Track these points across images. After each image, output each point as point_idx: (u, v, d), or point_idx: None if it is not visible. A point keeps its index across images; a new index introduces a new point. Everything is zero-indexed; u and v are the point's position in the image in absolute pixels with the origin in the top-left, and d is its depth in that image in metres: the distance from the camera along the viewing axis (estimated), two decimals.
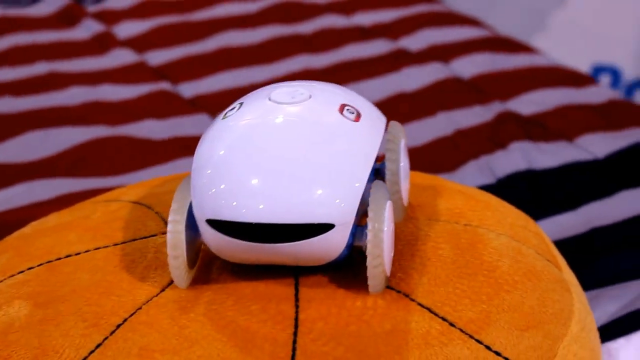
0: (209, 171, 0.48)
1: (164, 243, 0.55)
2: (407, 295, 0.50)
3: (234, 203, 0.47)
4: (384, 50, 1.14)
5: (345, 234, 0.48)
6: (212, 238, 0.49)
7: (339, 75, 1.07)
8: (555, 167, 0.87)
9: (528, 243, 0.57)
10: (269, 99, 0.51)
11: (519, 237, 0.57)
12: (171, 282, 0.51)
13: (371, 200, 0.49)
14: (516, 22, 1.80)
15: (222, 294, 0.50)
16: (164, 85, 1.06)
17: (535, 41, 1.69)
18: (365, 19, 1.24)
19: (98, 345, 0.48)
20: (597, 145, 0.91)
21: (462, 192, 0.61)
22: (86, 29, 1.21)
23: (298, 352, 0.47)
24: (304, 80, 0.54)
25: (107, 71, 1.09)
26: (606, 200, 0.82)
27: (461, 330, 0.49)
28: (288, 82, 0.54)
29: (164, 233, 0.56)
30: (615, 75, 1.84)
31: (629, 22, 1.82)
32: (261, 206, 0.47)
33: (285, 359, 0.46)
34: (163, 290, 0.51)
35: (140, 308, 0.50)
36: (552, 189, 0.84)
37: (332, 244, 0.48)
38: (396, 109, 1.00)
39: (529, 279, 0.53)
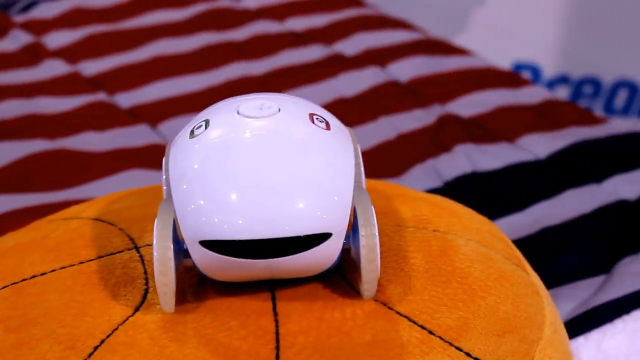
0: (199, 194, 0.47)
1: (131, 259, 0.54)
2: (384, 304, 0.50)
3: (228, 222, 0.46)
4: (319, 55, 1.14)
5: (340, 242, 0.48)
6: (205, 259, 0.48)
7: (278, 81, 1.06)
8: (499, 169, 0.89)
9: (495, 248, 0.57)
10: (238, 113, 0.51)
11: (486, 242, 0.57)
12: (143, 300, 0.51)
13: (358, 205, 0.49)
14: (436, 22, 1.82)
15: (199, 311, 0.50)
16: (101, 96, 1.04)
17: (456, 40, 1.71)
18: (298, 24, 1.24)
19: None
20: (537, 146, 0.92)
21: (425, 199, 0.61)
22: (14, 40, 1.19)
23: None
24: (264, 93, 0.54)
25: (40, 83, 1.07)
26: (553, 200, 0.83)
27: (440, 338, 0.49)
28: (249, 95, 0.53)
29: (130, 249, 0.55)
30: (535, 72, 1.87)
31: (548, 20, 1.86)
32: (256, 223, 0.46)
33: None
34: (137, 309, 0.50)
35: (116, 329, 0.49)
36: (498, 191, 0.85)
37: (329, 253, 0.48)
38: (336, 114, 0.99)
39: (501, 284, 0.53)
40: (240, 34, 1.21)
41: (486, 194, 0.84)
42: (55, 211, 0.81)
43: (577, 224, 0.80)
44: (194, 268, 0.50)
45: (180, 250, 0.49)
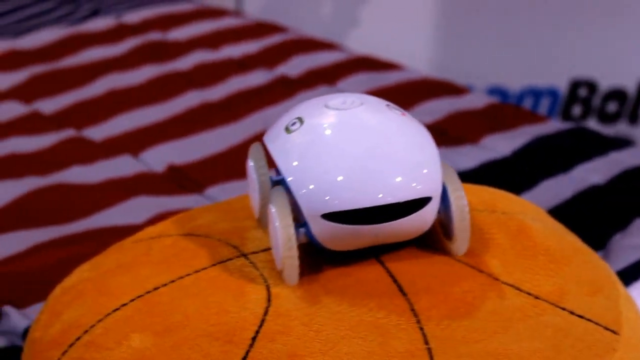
0: (316, 175, 0.54)
1: (243, 265, 0.58)
2: (490, 275, 0.57)
3: (347, 194, 0.53)
4: (266, 79, 1.19)
5: (437, 205, 0.55)
6: (326, 231, 0.54)
7: (238, 105, 1.11)
8: (474, 168, 0.96)
9: (553, 224, 0.65)
10: (327, 107, 0.57)
11: (543, 220, 0.65)
12: (269, 294, 0.55)
13: (444, 173, 0.56)
14: (322, 22, 1.89)
15: (333, 297, 0.54)
16: (70, 132, 1.06)
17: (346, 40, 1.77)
18: (233, 51, 1.29)
19: (243, 358, 0.51)
20: (500, 145, 1.01)
21: (478, 187, 0.68)
22: None
23: (429, 337, 0.52)
24: (336, 93, 0.60)
25: (5, 124, 1.08)
26: (533, 191, 0.92)
27: (547, 301, 0.56)
28: (329, 95, 0.60)
29: (239, 256, 0.59)
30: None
31: (419, 33, 1.95)
32: (373, 192, 0.53)
33: (421, 343, 0.51)
34: (269, 301, 0.55)
35: (264, 319, 0.53)
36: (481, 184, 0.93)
37: (429, 216, 0.55)
38: None
39: (575, 254, 0.61)
40: (182, 64, 1.25)
41: None
42: (78, 242, 0.84)
43: (561, 209, 0.88)
44: (305, 246, 0.56)
45: (295, 229, 0.55)
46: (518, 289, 0.56)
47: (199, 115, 1.10)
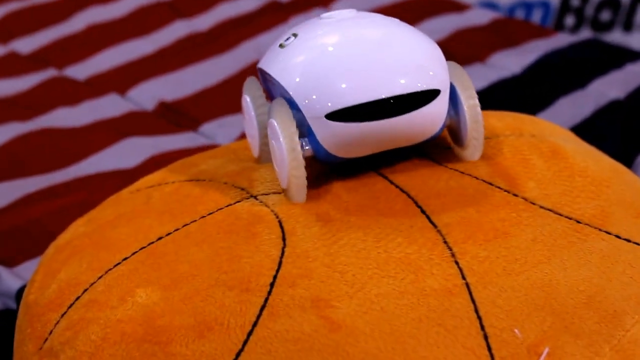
0: (315, 76, 0.50)
1: (253, 204, 0.53)
2: (526, 199, 0.51)
3: (350, 89, 0.49)
4: (257, 4, 1.13)
5: (446, 100, 0.51)
6: (331, 133, 0.50)
7: (229, 33, 1.05)
8: (484, 88, 0.91)
9: (584, 145, 0.59)
10: (321, 19, 0.54)
11: (577, 142, 0.59)
12: (283, 231, 0.50)
13: (454, 76, 0.52)
14: None
15: (356, 233, 0.49)
16: (51, 72, 1.00)
17: None
18: None
19: (262, 308, 0.46)
20: (509, 63, 0.95)
21: (499, 113, 0.63)
22: None
23: (465, 271, 0.47)
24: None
25: None
26: (550, 110, 0.86)
27: (589, 225, 0.51)
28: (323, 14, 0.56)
29: (247, 198, 0.54)
30: None
31: None
32: (376, 83, 0.49)
33: (457, 278, 0.46)
34: (284, 240, 0.49)
35: (280, 262, 0.48)
36: (495, 108, 0.87)
37: (439, 112, 0.51)
38: None
39: (615, 174, 0.55)
40: None
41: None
42: (69, 191, 0.79)
43: (582, 128, 0.83)
44: (312, 160, 0.52)
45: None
46: (558, 213, 0.51)
47: (188, 47, 1.03)
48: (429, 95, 0.50)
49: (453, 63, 0.53)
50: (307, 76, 0.50)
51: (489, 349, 0.44)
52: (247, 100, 0.56)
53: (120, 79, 0.97)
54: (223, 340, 0.45)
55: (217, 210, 0.53)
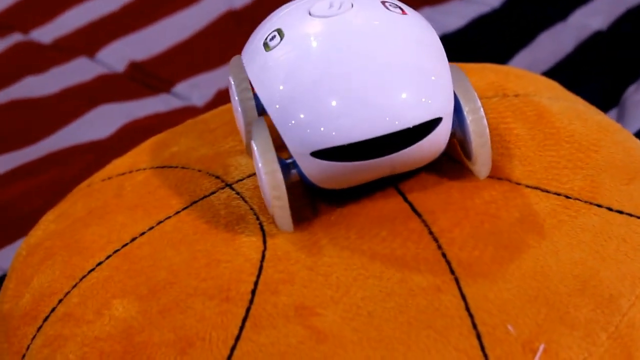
0: (299, 107, 0.45)
1: (229, 197, 0.51)
2: (510, 181, 0.49)
3: (338, 127, 0.44)
4: None
5: (449, 124, 0.46)
6: (318, 170, 0.46)
7: None
8: (464, 26, 0.88)
9: (572, 99, 0.57)
10: (310, 15, 0.48)
11: (562, 96, 0.57)
12: (264, 234, 0.48)
13: (455, 83, 0.47)
14: None
15: (338, 229, 0.47)
16: (17, 37, 0.96)
17: None
18: None
19: (245, 319, 0.44)
20: None
21: (478, 67, 0.60)
22: None
23: (453, 264, 0.45)
24: None
25: None
26: (532, 46, 0.83)
27: (579, 199, 0.49)
28: None
29: (223, 188, 0.51)
30: None
31: None
32: (367, 121, 0.44)
33: (446, 273, 0.44)
34: (265, 242, 0.47)
35: (261, 267, 0.46)
36: (477, 48, 0.84)
37: (442, 138, 0.46)
38: None
39: (604, 134, 0.53)
40: None
41: (467, 54, 0.83)
42: (43, 167, 0.76)
43: (565, 65, 0.81)
44: (300, 183, 0.48)
45: (284, 166, 0.47)
46: (544, 190, 0.49)
47: (155, 1, 1.00)
48: (430, 125, 0.45)
49: (455, 68, 0.48)
50: (290, 104, 0.45)
51: (483, 348, 0.42)
52: (230, 82, 0.51)
53: (88, 40, 0.94)
54: (206, 357, 0.43)
55: (192, 204, 0.51)
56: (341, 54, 0.46)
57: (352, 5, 0.48)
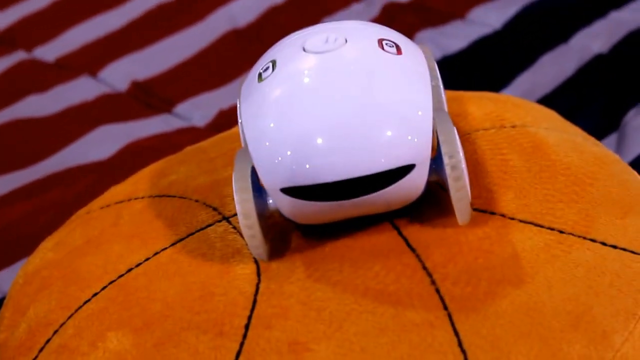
0: (269, 141, 0.46)
1: (226, 231, 0.51)
2: (504, 216, 0.49)
3: (307, 166, 0.45)
4: None
5: (426, 171, 0.46)
6: (288, 205, 0.46)
7: (201, 2, 1.02)
8: (465, 48, 0.88)
9: (569, 131, 0.57)
10: (304, 50, 0.48)
11: (559, 128, 0.57)
12: (258, 267, 0.48)
13: (439, 129, 0.47)
14: None
15: (331, 262, 0.47)
16: (21, 55, 0.97)
17: None
18: None
19: (238, 354, 0.44)
20: (490, 17, 0.92)
21: (476, 96, 0.60)
22: None
23: (447, 299, 0.45)
24: (329, 23, 0.52)
25: None
26: (533, 68, 0.83)
27: (572, 234, 0.49)
28: (314, 27, 0.51)
29: (220, 221, 0.52)
30: None
31: None
32: (336, 163, 0.45)
33: (439, 309, 0.44)
34: (259, 276, 0.48)
35: (255, 301, 0.46)
36: (478, 70, 0.84)
37: (415, 184, 0.46)
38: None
39: (600, 167, 0.53)
40: None
41: (468, 75, 0.83)
42: (45, 187, 0.77)
43: (567, 88, 0.81)
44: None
45: (263, 197, 0.47)
46: (538, 225, 0.49)
47: (158, 19, 1.00)
48: (399, 171, 0.45)
49: (443, 114, 0.47)
50: (262, 137, 0.46)
51: None
52: (238, 103, 0.52)
53: (91, 58, 0.94)
54: None
55: (188, 236, 0.51)
56: (316, 93, 0.46)
57: (346, 41, 0.48)
